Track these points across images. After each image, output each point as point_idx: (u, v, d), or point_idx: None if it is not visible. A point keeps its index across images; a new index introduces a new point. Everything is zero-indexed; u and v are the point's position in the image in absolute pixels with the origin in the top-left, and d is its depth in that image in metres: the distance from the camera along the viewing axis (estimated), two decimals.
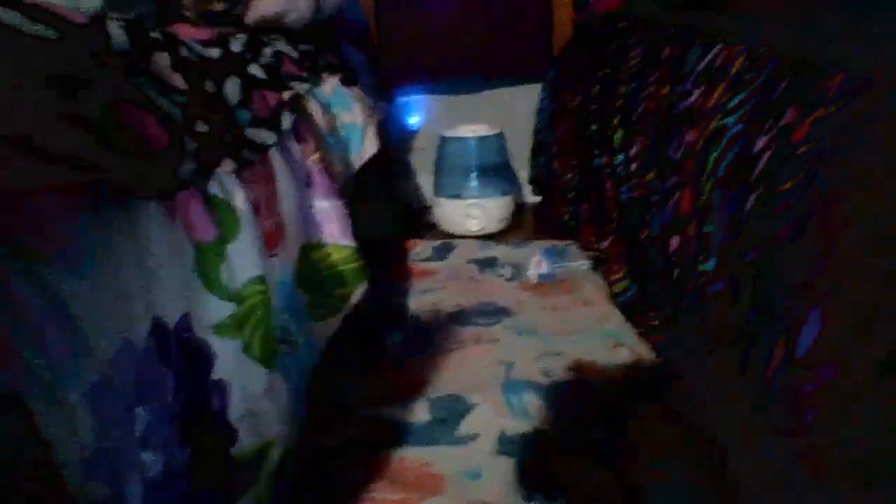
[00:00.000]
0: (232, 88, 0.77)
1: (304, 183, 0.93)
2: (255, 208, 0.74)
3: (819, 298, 0.49)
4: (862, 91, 0.49)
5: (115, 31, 0.59)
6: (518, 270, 1.49)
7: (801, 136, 0.55)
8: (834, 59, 0.56)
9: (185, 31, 0.81)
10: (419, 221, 1.89)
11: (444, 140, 1.78)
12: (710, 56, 0.81)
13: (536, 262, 1.45)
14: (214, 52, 0.80)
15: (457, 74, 1.88)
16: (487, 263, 1.56)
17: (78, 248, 0.48)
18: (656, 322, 1.07)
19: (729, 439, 0.67)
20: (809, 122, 0.55)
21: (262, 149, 0.80)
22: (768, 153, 0.61)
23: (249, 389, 0.68)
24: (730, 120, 0.70)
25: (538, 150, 1.83)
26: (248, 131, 0.77)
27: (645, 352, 1.09)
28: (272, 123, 0.84)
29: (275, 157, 0.82)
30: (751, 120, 0.66)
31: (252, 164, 0.76)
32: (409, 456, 0.88)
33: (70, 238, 0.47)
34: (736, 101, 0.70)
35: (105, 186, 0.51)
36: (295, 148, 0.92)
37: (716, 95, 0.75)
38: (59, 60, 0.49)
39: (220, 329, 0.65)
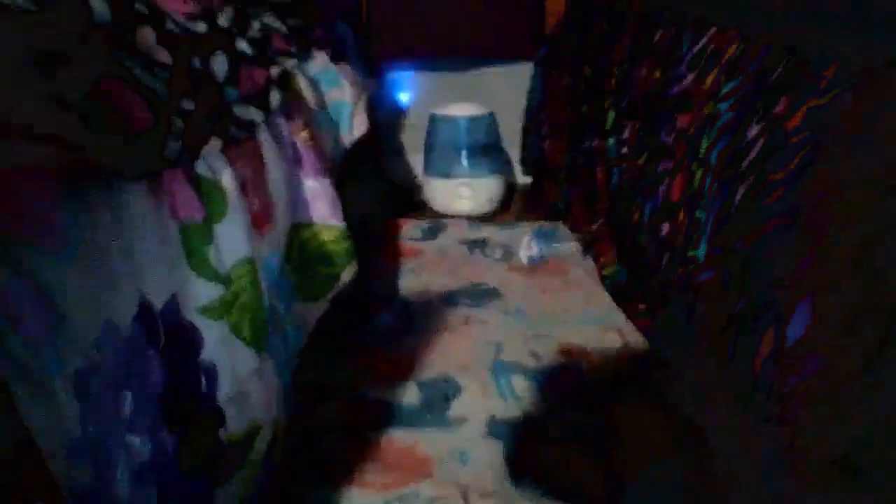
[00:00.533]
0: (219, 65, 0.75)
1: (293, 161, 0.92)
2: (243, 187, 0.73)
3: (809, 290, 0.49)
4: (856, 83, 0.49)
5: (97, 2, 0.58)
6: (508, 252, 1.49)
7: (793, 126, 0.55)
8: (828, 49, 0.55)
9: (171, 4, 0.79)
10: (409, 200, 1.88)
11: (434, 119, 1.76)
12: (703, 40, 0.80)
13: (526, 245, 1.45)
14: (201, 27, 0.78)
15: (447, 52, 1.85)
16: (477, 244, 1.55)
17: (60, 231, 0.47)
18: (645, 306, 1.07)
19: (714, 427, 0.67)
20: (803, 111, 0.54)
21: (251, 127, 0.78)
22: (760, 142, 0.60)
23: (238, 371, 0.68)
24: (722, 106, 0.70)
25: (529, 130, 1.82)
26: (236, 109, 0.76)
27: (633, 336, 1.09)
28: (260, 101, 0.83)
29: (263, 135, 0.81)
30: (743, 107, 0.65)
31: (240, 142, 0.75)
32: (398, 438, 0.89)
33: (52, 220, 0.46)
34: (729, 87, 0.70)
35: (88, 166, 0.50)
36: (283, 126, 0.91)
37: (709, 81, 0.75)
38: (38, 35, 0.48)
39: (207, 311, 0.64)
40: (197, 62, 0.71)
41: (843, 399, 0.43)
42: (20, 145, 0.42)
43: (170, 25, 0.69)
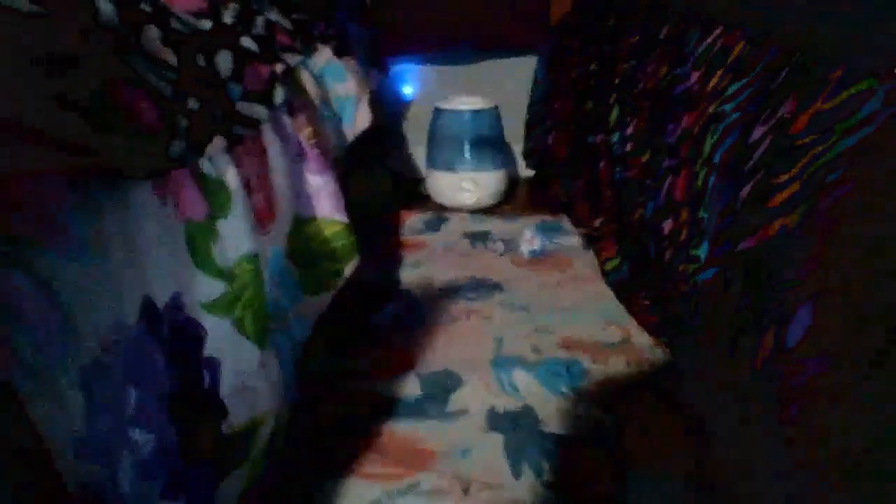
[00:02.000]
0: (223, 62, 0.75)
1: (297, 158, 0.92)
2: (247, 184, 0.74)
3: (812, 291, 0.50)
4: (864, 88, 0.49)
5: (103, 3, 0.58)
6: (510, 245, 1.49)
7: (799, 129, 0.55)
8: (835, 52, 0.55)
9: (178, 1, 0.79)
10: (412, 193, 1.88)
11: (438, 112, 1.76)
12: (709, 39, 0.80)
13: (529, 239, 1.45)
14: (206, 24, 0.79)
15: (452, 44, 1.85)
16: (480, 237, 1.56)
17: (67, 231, 0.47)
18: (647, 302, 1.08)
19: (716, 424, 0.67)
20: (809, 114, 0.54)
21: (255, 124, 0.79)
22: (765, 143, 0.60)
23: (241, 366, 0.69)
24: (728, 107, 0.70)
25: (533, 123, 1.82)
26: (240, 106, 0.76)
27: (636, 331, 1.10)
28: (264, 98, 0.83)
29: (267, 132, 0.81)
30: (749, 108, 0.65)
31: (244, 139, 0.75)
32: (399, 431, 0.89)
33: (59, 221, 0.47)
34: (734, 87, 0.69)
35: (95, 168, 0.50)
36: (287, 122, 0.91)
37: (714, 80, 0.75)
38: (46, 38, 0.48)
39: (211, 307, 0.65)
40: (202, 60, 0.71)
41: (848, 400, 0.44)
42: (28, 148, 0.42)
43: (175, 24, 0.69)
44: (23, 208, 0.44)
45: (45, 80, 0.45)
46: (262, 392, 0.72)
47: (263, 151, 0.80)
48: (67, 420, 0.47)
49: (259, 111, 0.79)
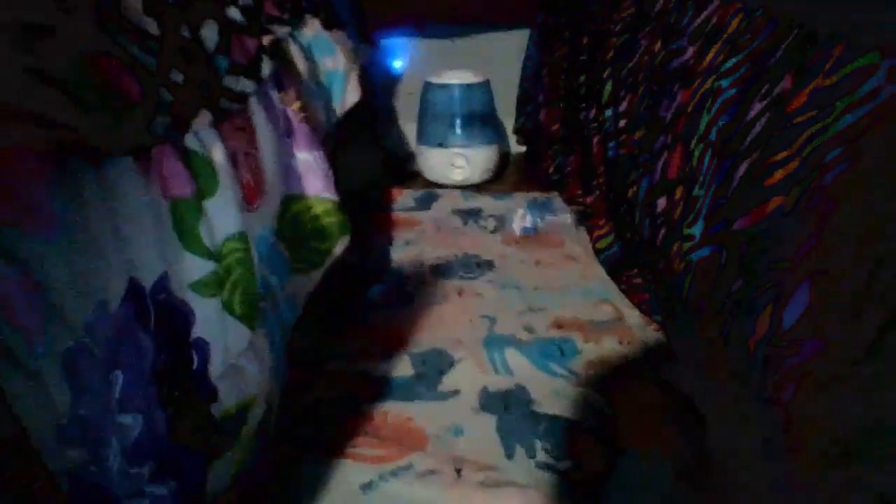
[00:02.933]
0: (209, 33, 0.73)
1: (285, 134, 0.90)
2: (234, 161, 0.72)
3: (809, 273, 0.49)
4: (867, 63, 0.48)
5: None
6: (502, 223, 1.48)
7: (797, 106, 0.54)
8: (835, 28, 0.54)
9: None
10: (402, 169, 1.86)
11: (428, 86, 1.74)
12: (705, 13, 0.78)
13: (521, 216, 1.44)
14: None
15: (442, 17, 1.82)
16: (471, 214, 1.55)
17: (47, 212, 0.46)
18: (639, 280, 1.07)
19: (709, 406, 0.67)
20: (807, 92, 0.53)
21: (242, 98, 0.77)
22: (763, 120, 0.59)
23: (230, 347, 0.68)
24: (724, 82, 0.68)
25: (524, 99, 1.80)
26: (227, 79, 0.74)
27: (628, 310, 1.09)
28: (252, 71, 0.81)
29: (254, 106, 0.79)
30: (745, 84, 0.64)
31: (230, 115, 0.73)
32: (391, 411, 0.89)
33: (39, 202, 0.45)
34: (731, 63, 0.68)
35: (74, 144, 0.48)
36: (275, 96, 0.89)
37: (710, 56, 0.73)
38: (19, 7, 0.46)
39: (198, 287, 0.63)
40: (186, 31, 0.69)
41: (843, 384, 0.43)
42: (4, 125, 0.41)
43: None
44: (1, 190, 0.43)
45: (19, 52, 0.43)
46: (252, 373, 0.71)
47: (251, 126, 0.78)
48: (51, 406, 0.46)
49: (246, 85, 0.77)
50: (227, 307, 0.68)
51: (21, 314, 0.43)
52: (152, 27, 0.63)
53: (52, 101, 0.45)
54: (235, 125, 0.74)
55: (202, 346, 0.64)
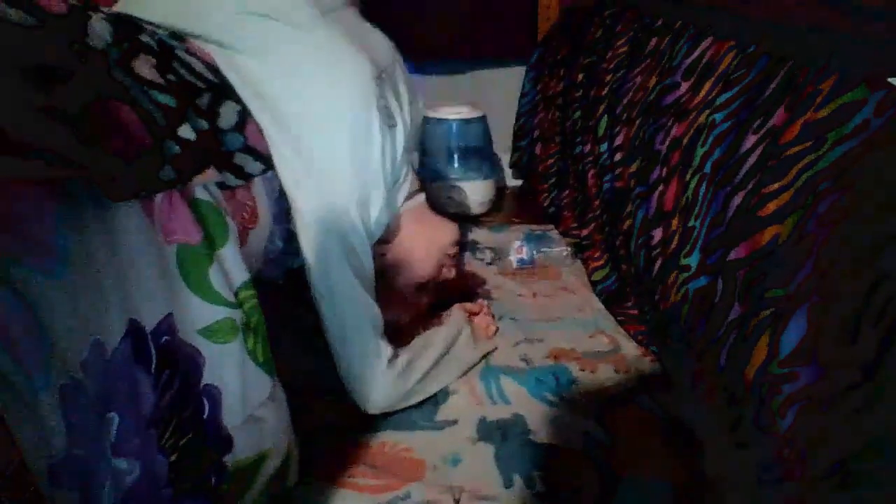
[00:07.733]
0: (227, 112, 0.73)
1: (284, 211, 0.90)
2: (233, 216, 0.72)
3: (805, 300, 0.50)
4: (856, 97, 0.49)
5: (97, 24, 0.57)
6: (498, 255, 1.49)
7: (790, 138, 0.56)
8: (826, 61, 0.56)
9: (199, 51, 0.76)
10: None
11: (425, 121, 1.76)
12: (698, 50, 0.81)
13: (517, 248, 1.45)
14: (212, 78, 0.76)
15: (440, 55, 1.86)
16: (467, 247, 1.56)
17: (50, 247, 0.46)
18: (635, 312, 1.08)
19: (706, 433, 0.68)
20: (800, 123, 0.55)
21: (247, 177, 0.77)
22: (757, 152, 0.61)
23: (250, 397, 0.67)
24: (718, 116, 0.70)
25: (520, 133, 1.83)
26: (238, 157, 0.75)
27: (624, 341, 1.10)
28: (263, 157, 0.79)
29: (257, 185, 0.79)
30: (739, 118, 0.66)
31: (233, 189, 0.74)
32: (389, 441, 0.89)
33: (42, 236, 0.45)
34: (724, 97, 0.70)
35: (81, 183, 0.49)
36: (278, 183, 0.85)
37: (704, 90, 0.75)
38: (38, 50, 0.47)
39: (208, 333, 0.62)
40: (203, 103, 0.70)
41: (841, 409, 0.44)
42: (15, 160, 0.41)
43: (176, 65, 0.67)
44: (8, 225, 0.43)
45: (35, 91, 0.44)
46: (272, 425, 0.70)
47: (252, 200, 0.78)
48: (46, 441, 0.46)
49: (254, 167, 0.77)
50: (253, 355, 0.67)
51: (21, 346, 0.43)
52: (163, 80, 0.63)
53: (61, 138, 0.46)
54: (237, 196, 0.75)
55: (213, 394, 0.63)
